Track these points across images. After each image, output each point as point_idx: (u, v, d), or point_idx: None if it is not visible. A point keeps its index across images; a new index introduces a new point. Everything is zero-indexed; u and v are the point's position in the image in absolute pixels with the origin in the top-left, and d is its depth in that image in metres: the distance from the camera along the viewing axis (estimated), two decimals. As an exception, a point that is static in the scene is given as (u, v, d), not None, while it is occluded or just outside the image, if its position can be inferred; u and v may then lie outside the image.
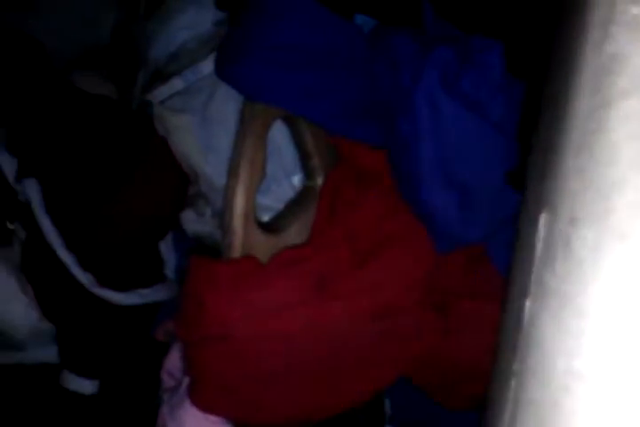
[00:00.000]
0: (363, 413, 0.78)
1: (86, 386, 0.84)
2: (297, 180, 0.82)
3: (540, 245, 0.37)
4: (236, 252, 0.66)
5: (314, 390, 0.67)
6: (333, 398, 0.68)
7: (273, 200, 0.82)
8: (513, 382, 0.39)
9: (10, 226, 0.85)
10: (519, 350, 0.39)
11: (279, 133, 0.81)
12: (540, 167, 0.43)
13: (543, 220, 0.37)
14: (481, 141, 0.66)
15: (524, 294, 0.39)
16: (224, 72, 0.71)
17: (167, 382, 0.72)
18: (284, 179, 0.83)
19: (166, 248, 0.88)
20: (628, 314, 0.29)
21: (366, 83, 0.70)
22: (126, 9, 0.95)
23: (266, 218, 0.80)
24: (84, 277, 0.79)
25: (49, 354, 0.86)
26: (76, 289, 0.80)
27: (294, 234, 0.73)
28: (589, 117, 0.31)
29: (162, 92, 0.85)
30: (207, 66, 0.83)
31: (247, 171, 0.67)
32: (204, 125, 0.84)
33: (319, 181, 0.77)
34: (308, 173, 0.79)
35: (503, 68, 0.65)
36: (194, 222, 0.88)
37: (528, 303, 0.38)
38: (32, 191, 0.80)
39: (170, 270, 0.89)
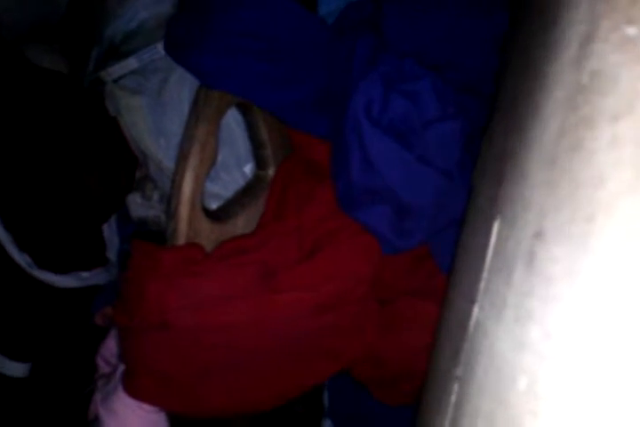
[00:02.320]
0: (301, 405, 0.78)
1: (17, 369, 0.82)
2: (248, 169, 0.81)
3: (490, 253, 0.36)
4: (181, 238, 0.65)
5: (252, 382, 0.66)
6: (272, 391, 0.67)
7: (222, 188, 0.81)
8: (455, 387, 0.39)
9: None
10: (463, 356, 0.39)
11: (234, 122, 0.80)
12: (494, 174, 0.42)
13: (496, 228, 0.36)
14: (405, 172, 0.65)
15: (470, 299, 0.39)
16: (180, 57, 0.70)
17: (102, 367, 0.71)
18: (236, 167, 0.82)
19: (109, 231, 0.86)
20: (601, 338, 0.28)
21: (324, 76, 0.70)
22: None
23: (214, 206, 0.78)
24: (20, 258, 0.77)
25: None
26: (12, 270, 0.77)
27: (241, 223, 0.72)
28: (565, 133, 0.30)
29: (116, 70, 0.83)
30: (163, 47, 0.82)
31: (197, 156, 0.66)
32: (156, 108, 0.82)
33: (270, 171, 0.77)
34: (259, 163, 0.78)
35: (434, 99, 0.65)
36: (139, 206, 0.86)
37: (476, 310, 0.38)
38: None
39: (112, 254, 0.87)
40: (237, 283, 0.64)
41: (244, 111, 0.76)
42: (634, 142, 0.27)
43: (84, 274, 0.82)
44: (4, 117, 0.77)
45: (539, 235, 0.30)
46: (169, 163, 0.80)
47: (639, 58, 0.27)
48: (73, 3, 0.97)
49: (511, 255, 0.33)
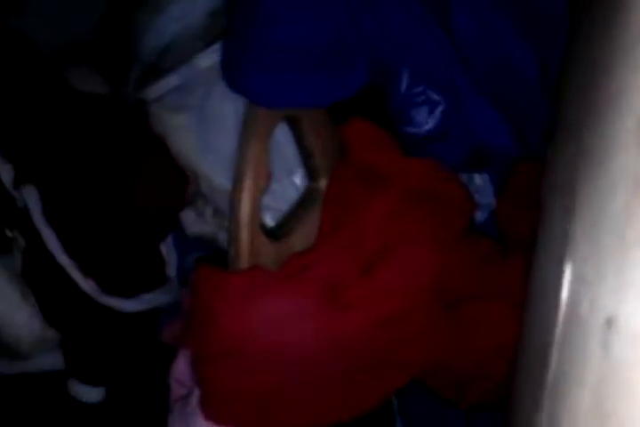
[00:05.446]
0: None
1: (92, 394, 0.84)
2: (298, 178, 0.81)
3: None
4: (244, 262, 0.65)
5: (326, 397, 0.67)
6: (345, 405, 0.68)
7: (274, 200, 0.80)
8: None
9: (9, 234, 0.83)
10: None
11: (279, 130, 0.80)
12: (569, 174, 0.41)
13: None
14: None
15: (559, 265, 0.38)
16: (232, 83, 0.69)
17: (177, 389, 0.72)
18: (286, 177, 0.81)
19: (167, 249, 0.87)
20: None
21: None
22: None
23: (267, 218, 0.78)
24: (86, 285, 0.78)
25: (54, 362, 0.86)
26: (80, 296, 0.79)
27: (300, 238, 0.72)
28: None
29: (157, 89, 0.83)
30: (203, 61, 0.81)
31: (252, 179, 0.66)
32: (201, 125, 0.82)
33: (323, 182, 0.76)
34: (310, 174, 0.77)
35: None
36: (194, 222, 0.87)
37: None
38: (31, 198, 0.78)
39: (171, 271, 0.88)
40: (304, 302, 0.64)
41: (292, 122, 0.76)
42: None
43: (149, 296, 0.83)
44: (56, 148, 0.79)
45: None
46: (218, 178, 0.80)
47: None
48: (104, 20, 0.97)
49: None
